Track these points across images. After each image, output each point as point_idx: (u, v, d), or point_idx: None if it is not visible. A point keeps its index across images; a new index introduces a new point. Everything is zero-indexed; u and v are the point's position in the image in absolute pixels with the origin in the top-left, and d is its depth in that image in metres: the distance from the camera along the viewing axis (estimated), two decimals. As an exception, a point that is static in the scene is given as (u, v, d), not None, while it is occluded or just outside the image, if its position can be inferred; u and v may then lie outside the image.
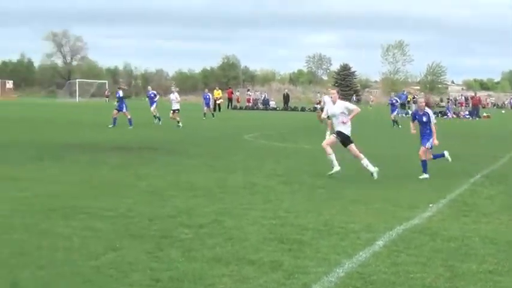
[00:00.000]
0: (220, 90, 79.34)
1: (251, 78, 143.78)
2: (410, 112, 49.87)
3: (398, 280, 8.54)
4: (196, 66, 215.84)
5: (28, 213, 12.37)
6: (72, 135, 32.28)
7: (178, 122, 41.42)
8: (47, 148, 25.16)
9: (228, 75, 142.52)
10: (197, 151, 25.49)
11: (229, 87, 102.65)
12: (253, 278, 8.51)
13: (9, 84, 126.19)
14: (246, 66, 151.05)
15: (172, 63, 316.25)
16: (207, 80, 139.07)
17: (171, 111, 42.91)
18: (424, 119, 18.98)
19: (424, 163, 18.79)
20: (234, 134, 35.98)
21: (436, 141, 18.91)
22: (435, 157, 19.57)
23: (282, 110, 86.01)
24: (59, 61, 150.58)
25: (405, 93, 63.31)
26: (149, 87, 50.59)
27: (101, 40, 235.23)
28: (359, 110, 18.79)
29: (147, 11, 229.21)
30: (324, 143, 18.57)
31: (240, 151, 26.16)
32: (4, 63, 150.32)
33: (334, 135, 18.45)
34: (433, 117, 19.10)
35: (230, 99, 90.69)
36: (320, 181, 17.56)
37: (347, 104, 18.83)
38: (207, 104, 57.44)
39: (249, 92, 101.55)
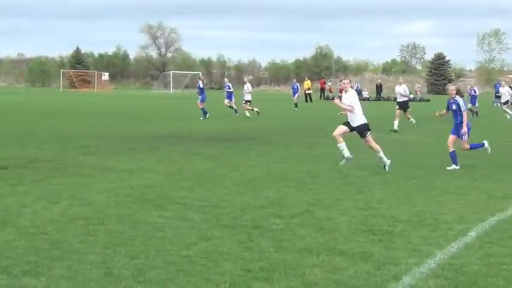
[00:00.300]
0: (309, 81, 79.17)
1: (344, 69, 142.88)
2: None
3: (491, 272, 8.43)
4: (289, 57, 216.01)
5: (122, 203, 12.63)
6: (167, 126, 32.71)
7: (248, 112, 41.57)
8: (142, 139, 25.59)
9: (321, 65, 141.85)
10: (289, 141, 25.55)
11: (322, 78, 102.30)
12: (343, 268, 8.52)
13: (105, 76, 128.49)
14: (339, 57, 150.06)
15: (265, 54, 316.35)
16: (299, 70, 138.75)
17: (243, 102, 42.97)
18: (454, 107, 18.49)
19: (452, 154, 18.19)
20: (326, 124, 35.87)
21: (465, 129, 18.33)
22: (473, 147, 19.05)
23: (374, 100, 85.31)
24: (153, 53, 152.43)
25: (501, 82, 61.90)
26: (225, 79, 50.47)
27: (195, 31, 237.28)
28: (350, 109, 18.18)
29: (241, 2, 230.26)
30: (335, 133, 18.35)
31: (331, 141, 26.08)
32: (100, 55, 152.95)
33: (345, 126, 18.21)
34: (463, 104, 18.56)
35: (322, 90, 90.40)
36: (412, 171, 17.41)
37: (351, 96, 18.41)
38: (295, 94, 57.36)
39: (341, 82, 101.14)
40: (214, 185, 14.89)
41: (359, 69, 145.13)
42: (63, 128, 30.59)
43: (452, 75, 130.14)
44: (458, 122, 18.44)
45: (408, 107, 33.44)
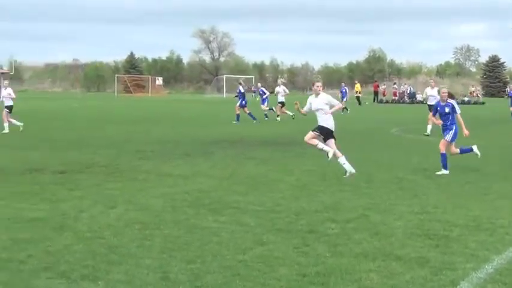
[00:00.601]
0: (359, 84, 78.87)
1: (397, 71, 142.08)
2: None
3: (550, 277, 8.33)
4: (342, 60, 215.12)
5: (178, 208, 12.72)
6: (220, 131, 32.83)
7: (277, 116, 41.46)
8: (196, 144, 25.72)
9: (374, 68, 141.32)
10: (343, 145, 25.42)
11: (375, 81, 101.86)
12: (399, 273, 8.48)
13: (159, 81, 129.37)
14: (392, 59, 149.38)
15: (318, 57, 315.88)
16: (352, 73, 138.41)
17: (278, 104, 42.82)
18: (447, 109, 18.11)
19: (443, 157, 17.89)
20: (380, 128, 35.74)
21: (466, 132, 18.10)
22: (462, 151, 18.65)
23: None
24: (207, 57, 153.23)
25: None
26: (259, 84, 50.14)
27: (247, 35, 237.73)
28: (341, 105, 18.07)
29: (294, 5, 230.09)
30: (306, 139, 17.70)
31: (385, 145, 26.02)
32: (154, 60, 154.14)
33: (316, 132, 17.53)
34: (457, 107, 18.20)
35: (376, 93, 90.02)
36: (467, 176, 17.26)
37: (330, 98, 17.98)
38: (343, 98, 57.07)
39: (395, 85, 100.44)
40: (269, 190, 14.92)
41: (412, 72, 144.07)
42: (118, 133, 30.88)
43: (507, 78, 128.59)
44: (449, 123, 18.10)
45: None
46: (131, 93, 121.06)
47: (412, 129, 31.83)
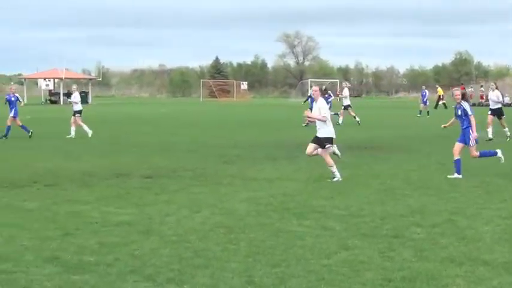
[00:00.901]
0: (441, 88, 77.79)
1: (484, 74, 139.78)
2: None
3: None
4: (427, 63, 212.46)
5: (263, 212, 12.76)
6: (305, 135, 32.78)
7: (354, 117, 41.02)
8: (281, 148, 25.76)
9: (460, 71, 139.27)
10: (428, 149, 25.19)
11: (462, 84, 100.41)
12: (487, 279, 8.35)
13: (244, 85, 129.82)
14: (479, 62, 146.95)
15: (403, 60, 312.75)
16: (438, 76, 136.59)
17: (342, 108, 42.43)
18: (459, 112, 17.77)
19: (457, 162, 17.54)
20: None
21: (475, 134, 17.64)
22: (483, 155, 18.26)
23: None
24: (291, 61, 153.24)
25: None
26: (324, 87, 48.81)
27: (332, 39, 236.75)
28: (323, 118, 17.16)
29: (379, 8, 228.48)
30: (307, 152, 17.58)
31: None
32: (239, 65, 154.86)
33: (313, 144, 17.38)
34: (469, 109, 17.77)
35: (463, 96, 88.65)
36: (559, 179, 16.89)
37: (320, 104, 17.40)
38: (424, 102, 56.30)
39: (482, 88, 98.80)
40: (354, 194, 14.86)
41: (500, 74, 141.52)
42: (203, 138, 31.12)
43: None
44: (465, 127, 17.75)
45: (503, 114, 31.87)
46: (216, 97, 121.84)
47: (498, 133, 31.21)
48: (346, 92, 42.90)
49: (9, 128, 31.06)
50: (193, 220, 12.05)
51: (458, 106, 17.95)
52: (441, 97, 72.40)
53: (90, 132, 31.44)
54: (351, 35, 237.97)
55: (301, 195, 14.65)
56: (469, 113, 17.77)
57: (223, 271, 8.72)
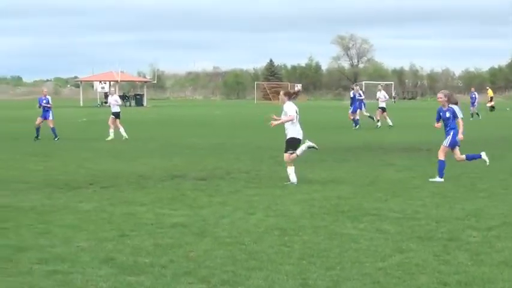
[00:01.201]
0: (491, 90, 76.76)
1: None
2: None
3: None
4: (483, 65, 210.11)
5: (317, 215, 12.74)
6: (357, 137, 32.69)
7: (377, 121, 40.57)
8: (334, 150, 25.68)
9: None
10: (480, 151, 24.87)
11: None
12: (544, 283, 8.23)
13: (298, 87, 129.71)
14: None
15: (458, 62, 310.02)
16: (494, 78, 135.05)
17: (378, 110, 42.05)
18: (448, 114, 17.55)
19: (439, 163, 17.36)
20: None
21: (461, 136, 17.53)
22: (469, 158, 18.04)
23: None
24: (345, 64, 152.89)
25: None
26: (357, 87, 47.30)
27: (387, 41, 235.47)
28: (290, 119, 17.29)
29: (434, 10, 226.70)
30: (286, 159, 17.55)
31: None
32: (293, 67, 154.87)
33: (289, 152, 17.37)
34: (459, 112, 17.61)
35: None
36: None
37: (285, 107, 17.47)
38: (472, 104, 55.63)
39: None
40: (409, 197, 14.76)
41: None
42: (257, 140, 31.17)
43: None
44: (448, 129, 17.62)
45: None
46: (270, 100, 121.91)
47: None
48: (381, 94, 42.58)
49: (53, 129, 31.65)
50: (248, 222, 12.08)
51: (446, 109, 17.77)
52: (491, 99, 71.49)
53: (124, 135, 31.57)
54: (405, 36, 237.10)
55: (355, 198, 14.60)
56: (459, 115, 17.71)
57: (278, 273, 8.72)
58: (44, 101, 32.20)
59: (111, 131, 31.42)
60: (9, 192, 15.65)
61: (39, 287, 8.31)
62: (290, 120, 17.23)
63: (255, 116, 58.59)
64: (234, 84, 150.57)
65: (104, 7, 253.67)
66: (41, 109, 32.05)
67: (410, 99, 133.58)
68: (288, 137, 17.46)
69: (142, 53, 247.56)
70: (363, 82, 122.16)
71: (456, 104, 17.85)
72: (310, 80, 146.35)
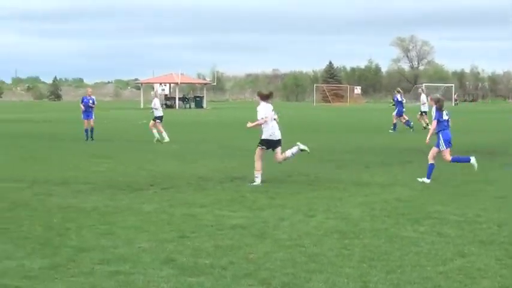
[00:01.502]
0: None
1: None
2: None
3: None
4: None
5: (377, 217, 12.68)
6: (417, 139, 32.39)
7: (426, 125, 39.99)
8: (394, 153, 25.53)
9: None
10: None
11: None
12: None
13: (357, 90, 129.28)
14: None
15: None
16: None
17: (419, 113, 41.50)
18: (446, 116, 17.66)
19: (429, 167, 17.51)
20: None
21: (427, 140, 17.86)
22: (455, 160, 18.00)
23: None
24: (405, 66, 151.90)
25: None
26: (398, 90, 45.87)
27: (447, 43, 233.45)
28: (257, 123, 17.67)
29: (492, 11, 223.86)
30: (275, 160, 18.23)
31: None
32: (352, 69, 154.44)
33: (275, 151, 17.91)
34: (435, 114, 17.52)
35: None
36: None
37: (258, 109, 17.76)
38: None
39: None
40: (470, 200, 14.62)
41: None
42: (317, 142, 31.08)
43: None
44: (438, 131, 17.60)
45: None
46: (329, 102, 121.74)
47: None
48: (423, 98, 42.07)
49: (92, 130, 32.49)
50: (308, 224, 12.07)
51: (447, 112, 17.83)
52: None
53: (167, 139, 31.63)
54: (466, 38, 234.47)
55: (415, 201, 14.50)
56: (434, 117, 17.73)
57: (338, 276, 8.71)
58: (90, 101, 33.04)
59: (164, 134, 31.77)
60: (72, 193, 15.88)
61: (101, 287, 8.42)
62: (260, 124, 17.69)
63: (315, 119, 58.55)
64: (293, 86, 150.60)
65: (164, 9, 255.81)
66: (83, 108, 32.89)
67: (471, 101, 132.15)
68: (261, 138, 17.90)
69: (202, 55, 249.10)
70: (423, 84, 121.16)
71: (439, 109, 17.67)
72: (369, 82, 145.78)
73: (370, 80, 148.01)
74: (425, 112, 40.97)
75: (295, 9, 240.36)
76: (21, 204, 14.31)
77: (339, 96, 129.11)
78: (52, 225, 12.06)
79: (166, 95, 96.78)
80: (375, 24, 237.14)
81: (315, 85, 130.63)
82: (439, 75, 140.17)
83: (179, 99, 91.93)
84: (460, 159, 18.47)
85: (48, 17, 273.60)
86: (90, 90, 35.21)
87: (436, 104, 17.70)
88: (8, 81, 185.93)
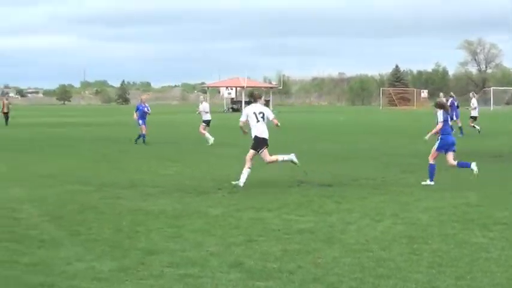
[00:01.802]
0: None
1: None
2: None
3: None
4: None
5: (446, 222, 12.55)
6: (479, 145, 31.98)
7: (478, 130, 39.26)
8: (460, 157, 25.20)
9: None
10: None
11: None
12: None
13: (424, 93, 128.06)
14: None
15: None
16: None
17: (470, 119, 40.78)
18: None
19: (430, 167, 17.70)
20: None
21: (426, 136, 18.32)
22: (460, 165, 18.16)
23: None
24: (473, 69, 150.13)
25: None
26: (451, 93, 45.05)
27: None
28: (240, 124, 18.61)
29: None
30: (265, 161, 18.59)
31: None
32: (419, 72, 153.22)
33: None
34: (441, 116, 17.95)
35: None
36: None
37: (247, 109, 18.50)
38: None
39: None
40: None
41: None
42: (383, 146, 30.95)
43: None
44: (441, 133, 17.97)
45: None
46: (396, 106, 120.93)
47: None
48: (474, 102, 41.47)
49: (144, 135, 33.29)
50: (375, 229, 12.02)
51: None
52: None
53: (211, 141, 32.19)
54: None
55: (484, 206, 14.32)
56: (438, 120, 18.26)
57: (406, 282, 8.65)
58: (146, 108, 34.00)
59: (208, 136, 32.47)
60: (140, 196, 16.06)
61: (170, 290, 8.51)
62: (240, 124, 18.49)
63: (381, 122, 58.21)
64: (359, 90, 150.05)
65: (231, 13, 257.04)
66: (137, 115, 33.88)
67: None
68: (252, 136, 18.36)
69: (268, 58, 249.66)
70: (491, 88, 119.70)
71: (441, 108, 18.20)
72: (436, 86, 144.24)
73: (437, 84, 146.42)
74: (475, 117, 40.96)
75: (361, 12, 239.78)
76: (89, 207, 14.53)
77: (405, 99, 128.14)
78: (121, 228, 12.22)
79: (232, 98, 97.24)
80: (442, 27, 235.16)
81: (381, 89, 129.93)
82: (508, 79, 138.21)
83: (245, 102, 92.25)
84: (463, 165, 18.55)
85: (116, 22, 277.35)
86: (144, 97, 36.15)
87: (441, 108, 17.89)
88: (77, 85, 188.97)
